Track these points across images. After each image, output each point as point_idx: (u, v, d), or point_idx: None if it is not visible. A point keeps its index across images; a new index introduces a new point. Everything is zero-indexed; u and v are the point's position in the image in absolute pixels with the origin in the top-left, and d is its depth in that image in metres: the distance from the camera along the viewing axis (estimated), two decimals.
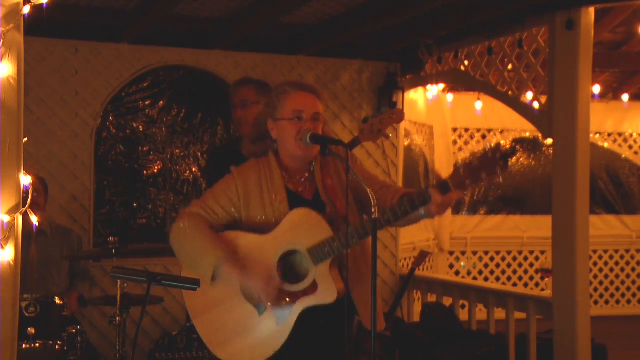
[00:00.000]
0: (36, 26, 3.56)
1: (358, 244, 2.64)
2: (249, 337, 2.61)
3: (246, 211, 2.69)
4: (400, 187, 2.66)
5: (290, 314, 2.58)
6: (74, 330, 4.09)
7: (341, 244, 2.56)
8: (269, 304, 2.59)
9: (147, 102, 6.20)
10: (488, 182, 2.44)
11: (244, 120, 3.80)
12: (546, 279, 6.40)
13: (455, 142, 8.35)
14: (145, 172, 6.23)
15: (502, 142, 8.54)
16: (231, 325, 2.63)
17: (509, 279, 8.53)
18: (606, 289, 8.79)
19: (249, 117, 3.68)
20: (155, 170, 6.26)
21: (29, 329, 3.82)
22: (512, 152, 2.37)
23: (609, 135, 8.89)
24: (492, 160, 2.40)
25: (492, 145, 2.47)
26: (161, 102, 6.25)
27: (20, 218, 2.39)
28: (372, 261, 2.42)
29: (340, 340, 2.65)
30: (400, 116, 3.62)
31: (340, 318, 2.61)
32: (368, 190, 2.46)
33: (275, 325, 2.59)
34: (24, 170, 2.41)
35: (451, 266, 8.32)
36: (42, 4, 2.38)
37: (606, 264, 8.80)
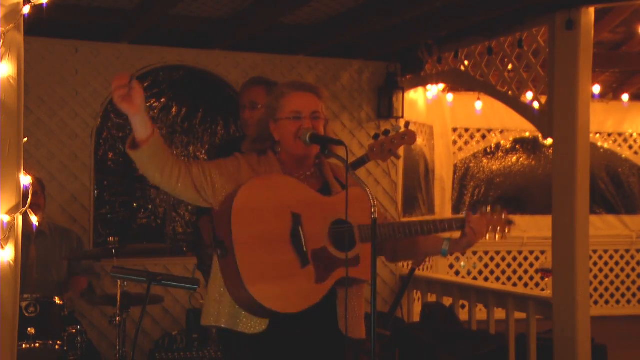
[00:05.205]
0: (36, 26, 3.57)
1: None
2: (285, 285, 2.55)
3: None
4: None
5: (330, 277, 2.58)
6: (74, 330, 4.08)
7: (388, 233, 2.69)
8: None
9: (147, 102, 6.17)
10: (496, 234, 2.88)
11: (251, 122, 3.69)
12: (546, 279, 6.41)
13: (455, 142, 8.35)
14: None
15: (502, 142, 8.56)
16: (272, 267, 2.55)
17: (509, 279, 8.54)
18: (606, 289, 8.79)
19: (257, 120, 3.65)
20: None
21: (29, 329, 3.82)
22: (511, 224, 2.92)
23: (609, 135, 8.89)
24: (504, 221, 2.88)
25: (499, 208, 2.93)
26: (161, 102, 6.25)
27: (20, 218, 2.39)
28: (372, 261, 2.43)
29: (321, 332, 2.66)
30: (412, 138, 3.60)
31: (323, 311, 2.62)
32: (367, 190, 2.48)
33: (314, 282, 2.57)
34: (24, 170, 2.41)
35: (451, 266, 8.33)
36: (42, 4, 2.38)
37: (606, 264, 8.80)
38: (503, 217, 2.86)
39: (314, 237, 2.60)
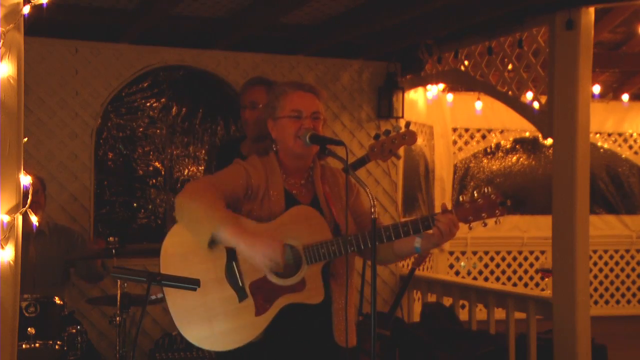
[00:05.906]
0: (36, 26, 3.57)
1: (346, 259, 2.63)
2: (223, 322, 2.55)
3: (249, 201, 2.65)
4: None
5: (272, 307, 2.56)
6: (74, 330, 4.08)
7: (338, 249, 2.56)
8: (248, 287, 2.56)
9: (147, 102, 6.21)
10: (487, 219, 2.61)
11: (251, 122, 3.74)
12: (546, 279, 6.41)
13: (455, 142, 8.35)
14: (145, 172, 6.23)
15: (502, 142, 8.56)
16: (206, 308, 2.56)
17: (509, 279, 8.54)
18: (606, 289, 8.80)
19: (255, 118, 3.64)
20: (155, 170, 6.26)
21: (29, 329, 3.82)
22: (506, 204, 2.63)
23: (609, 135, 8.89)
24: (494, 203, 2.59)
25: (491, 190, 2.64)
26: (161, 102, 6.26)
27: (20, 218, 2.39)
28: (372, 261, 2.43)
29: (315, 343, 2.64)
30: (412, 138, 3.60)
31: (317, 322, 2.63)
32: (367, 190, 2.48)
33: (254, 315, 2.55)
34: (24, 170, 2.41)
35: (451, 266, 8.33)
36: (42, 4, 2.38)
37: (606, 264, 8.81)
38: (493, 198, 2.58)
39: (253, 269, 2.56)
